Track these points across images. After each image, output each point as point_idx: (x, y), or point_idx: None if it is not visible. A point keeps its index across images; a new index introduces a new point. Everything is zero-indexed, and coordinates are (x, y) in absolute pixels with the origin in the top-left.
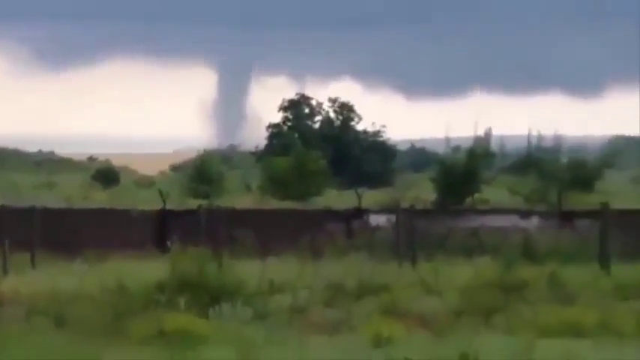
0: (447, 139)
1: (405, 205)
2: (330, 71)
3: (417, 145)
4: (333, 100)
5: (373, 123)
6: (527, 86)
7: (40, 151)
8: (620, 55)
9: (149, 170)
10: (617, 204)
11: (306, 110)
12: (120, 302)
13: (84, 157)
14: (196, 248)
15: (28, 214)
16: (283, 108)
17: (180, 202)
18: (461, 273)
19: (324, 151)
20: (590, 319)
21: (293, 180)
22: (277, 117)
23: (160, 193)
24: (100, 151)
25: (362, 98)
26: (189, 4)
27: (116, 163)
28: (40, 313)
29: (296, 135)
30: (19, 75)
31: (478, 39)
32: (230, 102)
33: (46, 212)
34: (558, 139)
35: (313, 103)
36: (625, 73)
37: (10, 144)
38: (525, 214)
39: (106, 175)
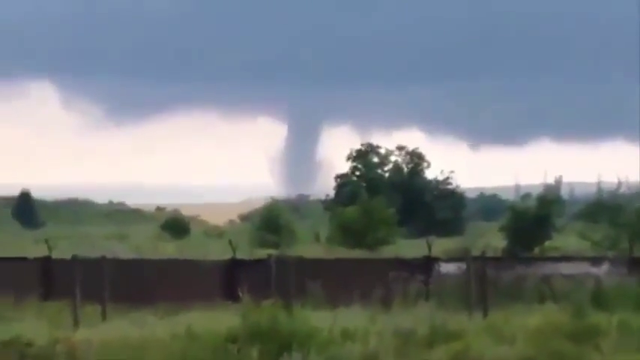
0: (517, 187)
1: (475, 253)
2: (394, 122)
3: (487, 193)
4: (401, 148)
5: (442, 171)
6: (595, 134)
7: (110, 202)
8: None
9: (218, 220)
10: None
11: (375, 159)
12: (190, 352)
13: (153, 208)
14: (267, 298)
15: (99, 264)
16: (352, 157)
17: (249, 251)
18: (532, 321)
19: (393, 199)
20: None
21: (361, 229)
22: (345, 166)
23: (230, 243)
24: (170, 201)
25: (427, 147)
26: (251, 61)
27: (185, 212)
28: None
29: (363, 184)
30: (92, 129)
31: (543, 89)
32: (298, 152)
33: (117, 263)
34: (628, 187)
35: (382, 151)
36: None
37: (82, 195)
38: (596, 261)
39: (176, 225)
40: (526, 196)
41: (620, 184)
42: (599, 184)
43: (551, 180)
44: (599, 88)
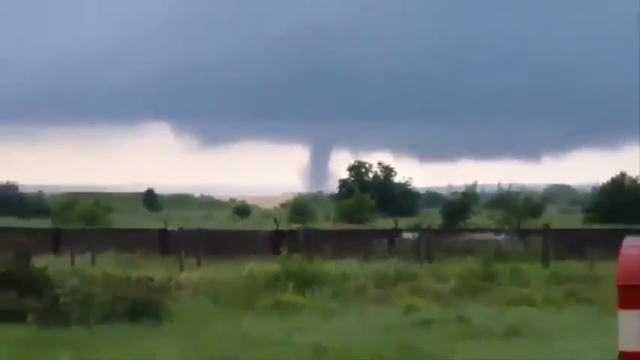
0: (449, 187)
1: (424, 226)
2: (374, 147)
3: (431, 191)
4: (379, 164)
5: (403, 177)
6: (496, 155)
7: (202, 195)
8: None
9: (268, 206)
10: (554, 226)
11: (363, 170)
12: (250, 285)
13: (227, 199)
14: (297, 253)
15: (196, 233)
16: (350, 169)
17: (287, 225)
18: (458, 267)
19: (374, 195)
20: (538, 296)
21: (355, 212)
22: (345, 174)
23: (275, 220)
24: (239, 194)
25: (394, 162)
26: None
27: (248, 202)
28: (203, 294)
29: (356, 185)
30: (192, 152)
31: (460, 117)
32: (316, 166)
33: (206, 232)
34: (516, 188)
35: (367, 165)
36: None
37: (186, 191)
38: (497, 232)
39: (242, 210)
40: (455, 193)
41: (510, 186)
42: (498, 186)
43: (470, 183)
44: (500, 124)
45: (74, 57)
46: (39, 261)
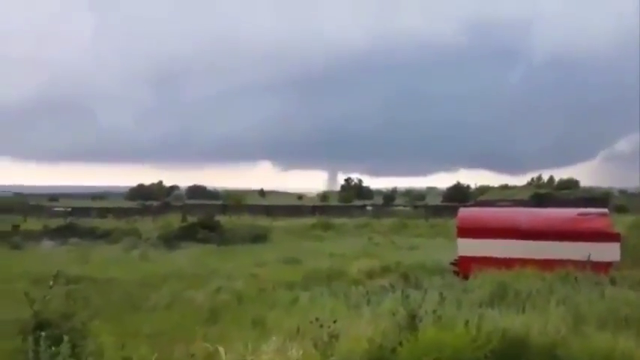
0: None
1: (375, 203)
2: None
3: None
4: (357, 178)
5: (368, 183)
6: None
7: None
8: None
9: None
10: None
11: (350, 180)
12: (303, 228)
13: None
14: (323, 215)
15: (279, 207)
16: (344, 180)
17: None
18: (394, 220)
19: (354, 190)
20: (425, 232)
21: (345, 197)
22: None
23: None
24: (300, 191)
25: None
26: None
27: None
28: (283, 232)
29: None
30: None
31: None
32: (331, 182)
33: (284, 206)
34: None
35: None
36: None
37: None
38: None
39: (300, 196)
40: (388, 190)
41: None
42: (406, 188)
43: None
44: None
45: None
46: (217, 217)
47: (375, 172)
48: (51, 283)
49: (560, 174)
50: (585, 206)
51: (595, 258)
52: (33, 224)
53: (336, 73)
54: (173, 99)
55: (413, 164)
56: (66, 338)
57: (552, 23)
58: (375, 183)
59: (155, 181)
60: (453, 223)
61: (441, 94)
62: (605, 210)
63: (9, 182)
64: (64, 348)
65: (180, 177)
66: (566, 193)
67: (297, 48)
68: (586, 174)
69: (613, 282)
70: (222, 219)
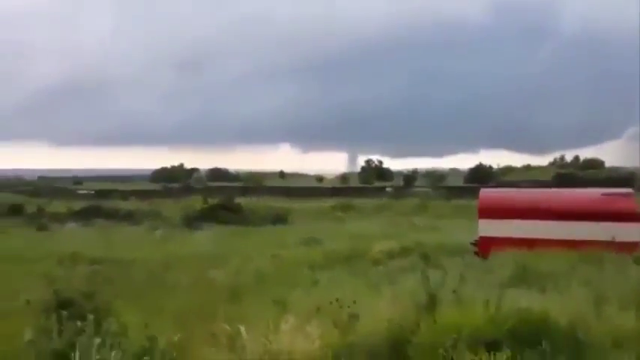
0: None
1: (395, 185)
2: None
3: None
4: (377, 160)
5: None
6: None
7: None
8: None
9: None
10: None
11: (371, 162)
12: (323, 209)
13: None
14: (344, 197)
15: (300, 188)
16: (365, 161)
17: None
18: (415, 200)
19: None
20: (446, 213)
21: (368, 179)
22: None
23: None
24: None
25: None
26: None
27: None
28: (303, 213)
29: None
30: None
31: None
32: (350, 164)
33: (301, 188)
34: None
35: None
36: None
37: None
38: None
39: (320, 178)
40: (409, 171)
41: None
42: (426, 169)
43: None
44: None
45: None
46: (237, 199)
47: (396, 154)
48: (68, 264)
49: (585, 153)
50: (610, 187)
51: (619, 239)
52: (58, 207)
53: (355, 54)
54: (194, 82)
55: (434, 145)
56: (90, 317)
57: (578, 2)
58: (396, 164)
59: (176, 164)
60: (474, 204)
61: (463, 73)
62: (630, 190)
63: (34, 166)
64: (89, 326)
65: (202, 160)
66: (590, 173)
67: (316, 30)
68: (611, 153)
69: (638, 262)
70: (242, 201)
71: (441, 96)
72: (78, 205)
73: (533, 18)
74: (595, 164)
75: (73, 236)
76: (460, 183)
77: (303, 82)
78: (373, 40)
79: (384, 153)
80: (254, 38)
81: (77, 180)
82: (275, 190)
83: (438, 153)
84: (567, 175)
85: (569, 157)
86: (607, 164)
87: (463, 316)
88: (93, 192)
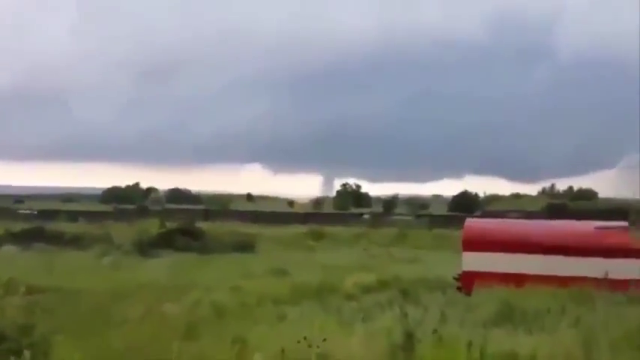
0: (394, 195)
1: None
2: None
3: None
4: (355, 183)
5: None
6: None
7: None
8: None
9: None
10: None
11: (347, 186)
12: (293, 237)
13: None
14: (316, 223)
15: (270, 213)
16: (341, 185)
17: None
18: (390, 231)
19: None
20: (426, 244)
21: (343, 204)
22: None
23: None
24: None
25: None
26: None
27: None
28: (271, 241)
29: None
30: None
31: None
32: (326, 187)
33: (273, 213)
34: None
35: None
36: None
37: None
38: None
39: (290, 203)
40: (389, 197)
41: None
42: (408, 195)
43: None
44: None
45: None
46: (198, 224)
47: (375, 178)
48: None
49: (576, 183)
50: (604, 219)
51: (613, 275)
52: None
53: (338, 69)
54: (158, 93)
55: (416, 169)
56: (27, 353)
57: (577, 22)
58: (375, 189)
59: (131, 182)
60: (458, 235)
61: (453, 95)
62: (625, 224)
63: None
64: None
65: (160, 179)
66: (582, 204)
67: (297, 41)
68: (605, 184)
69: (632, 302)
70: (204, 225)
71: (426, 116)
72: (18, 226)
73: (530, 39)
74: (588, 195)
75: (10, 261)
76: (444, 211)
77: (278, 96)
78: (359, 57)
79: (362, 176)
80: (229, 48)
81: (18, 198)
82: (242, 215)
83: (421, 178)
84: (558, 205)
85: (560, 185)
86: (600, 195)
87: (444, 359)
88: (35, 212)
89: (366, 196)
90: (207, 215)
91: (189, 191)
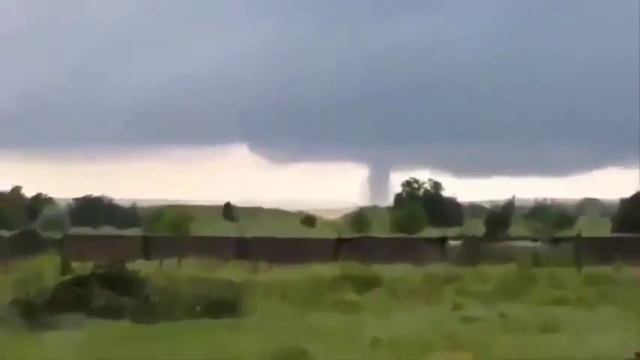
0: (491, 201)
1: (469, 235)
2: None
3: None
4: (430, 179)
5: (452, 192)
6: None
7: (273, 208)
8: None
9: (331, 218)
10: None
11: (416, 185)
12: (316, 286)
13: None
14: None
15: (268, 240)
16: (403, 184)
17: (347, 234)
18: (500, 271)
19: (426, 207)
20: (572, 296)
21: (407, 223)
22: (399, 189)
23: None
24: (306, 207)
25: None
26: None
27: (314, 214)
28: (273, 293)
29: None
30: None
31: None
32: (376, 183)
33: (278, 240)
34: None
35: (419, 181)
36: None
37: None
38: (534, 240)
39: (308, 221)
40: (496, 206)
41: (545, 200)
42: (535, 200)
43: (508, 197)
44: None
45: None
46: (132, 265)
47: (467, 169)
48: None
49: None
50: None
51: None
52: None
53: None
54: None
55: (545, 151)
56: None
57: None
58: (468, 189)
59: (8, 187)
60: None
61: None
62: None
63: None
64: None
65: (61, 179)
66: None
67: None
68: None
69: None
70: (145, 266)
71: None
72: None
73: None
74: None
75: None
76: (606, 230)
77: (281, 21)
78: None
79: (442, 167)
80: None
81: None
82: (216, 245)
83: (555, 168)
84: None
85: None
86: None
87: None
88: None
89: (452, 202)
90: (148, 247)
91: (113, 201)
